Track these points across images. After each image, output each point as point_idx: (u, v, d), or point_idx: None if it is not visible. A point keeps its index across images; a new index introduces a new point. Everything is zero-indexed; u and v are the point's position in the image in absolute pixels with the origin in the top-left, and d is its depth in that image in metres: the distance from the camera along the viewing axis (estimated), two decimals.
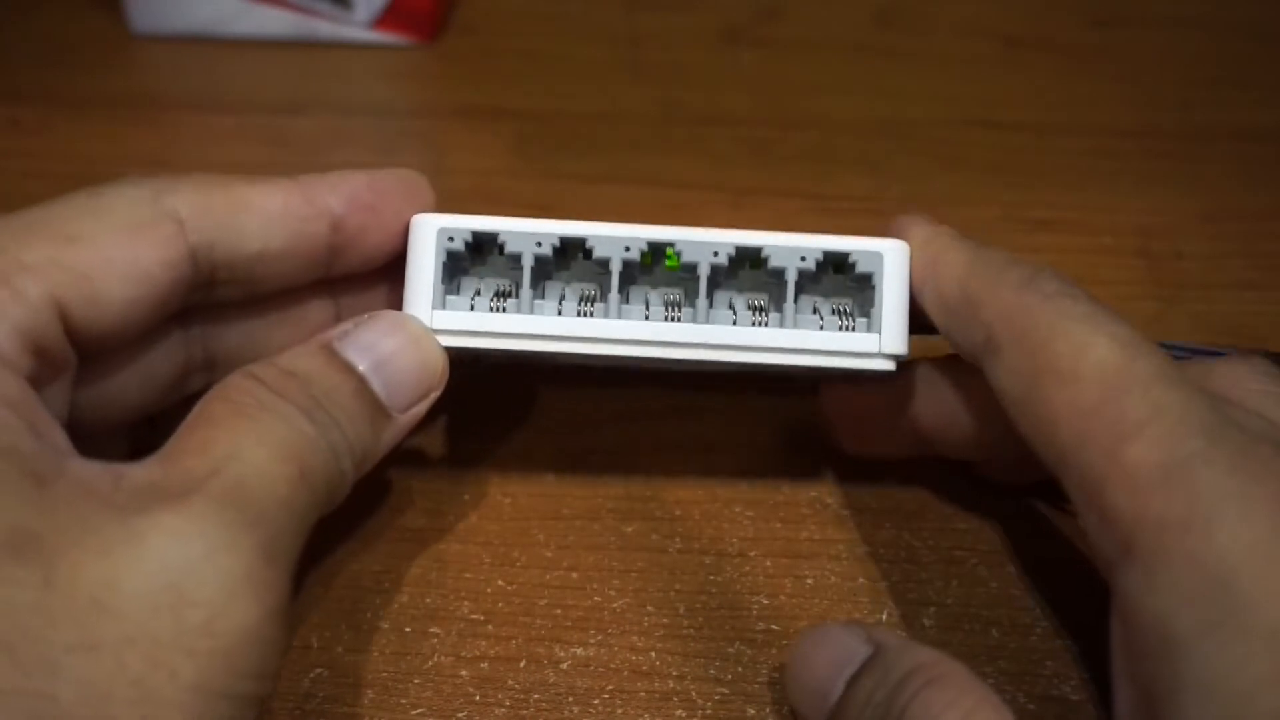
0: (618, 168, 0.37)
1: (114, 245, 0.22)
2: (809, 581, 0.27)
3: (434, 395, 0.25)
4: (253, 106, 0.39)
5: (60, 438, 0.21)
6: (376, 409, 0.24)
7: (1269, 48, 0.42)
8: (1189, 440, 0.20)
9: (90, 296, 0.22)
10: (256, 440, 0.21)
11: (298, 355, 0.23)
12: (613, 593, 0.27)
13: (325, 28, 0.41)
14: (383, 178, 0.26)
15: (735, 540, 0.28)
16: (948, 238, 0.25)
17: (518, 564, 0.27)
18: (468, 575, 0.27)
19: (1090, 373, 0.21)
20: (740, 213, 0.36)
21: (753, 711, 0.25)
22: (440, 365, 0.25)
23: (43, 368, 0.22)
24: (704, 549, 0.28)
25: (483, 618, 0.26)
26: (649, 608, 0.27)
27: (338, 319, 0.26)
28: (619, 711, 0.25)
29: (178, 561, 0.19)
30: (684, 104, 0.39)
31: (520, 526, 0.28)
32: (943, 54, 0.41)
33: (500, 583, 0.27)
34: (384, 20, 0.40)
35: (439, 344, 0.25)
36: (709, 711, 0.25)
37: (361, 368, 0.24)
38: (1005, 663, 0.26)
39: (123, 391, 0.25)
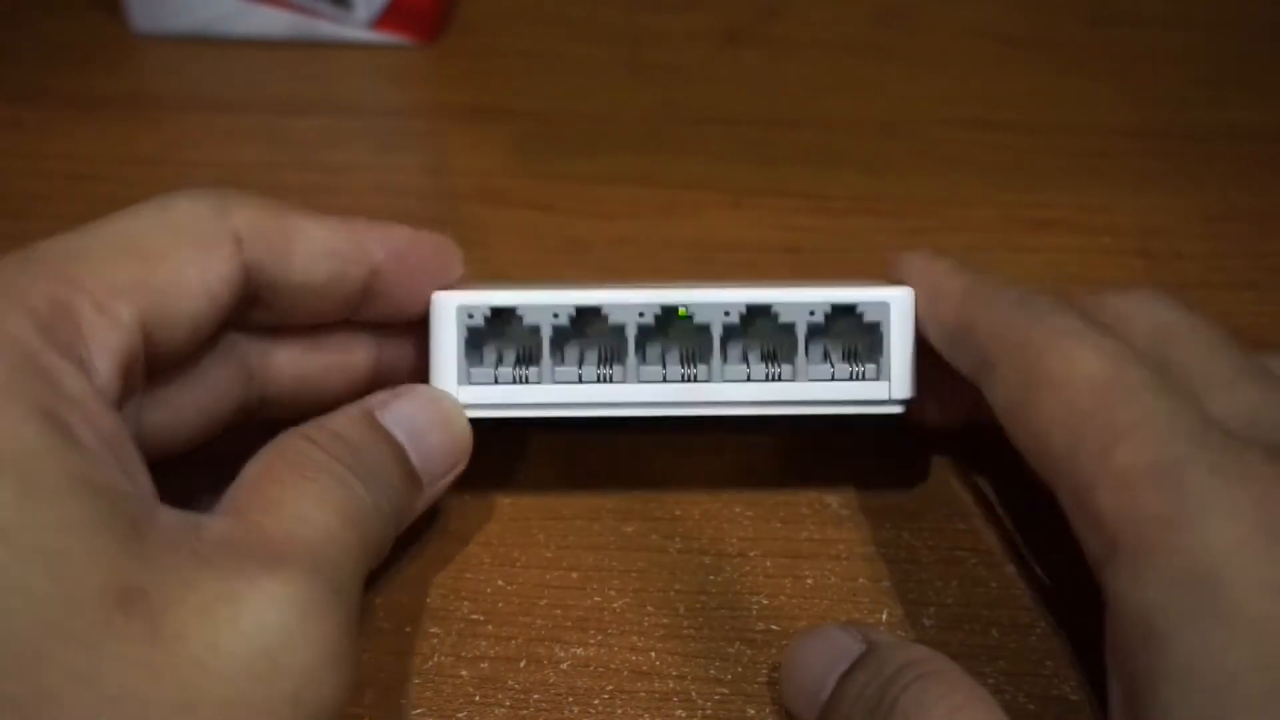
0: (618, 168, 0.37)
1: (187, 262, 0.22)
2: (809, 581, 0.27)
3: (460, 469, 0.26)
4: (253, 106, 0.39)
5: (146, 478, 0.21)
6: (414, 478, 0.25)
7: (1269, 48, 0.42)
8: (1175, 443, 0.20)
9: (166, 315, 0.22)
10: (319, 502, 0.22)
11: (346, 422, 0.24)
12: (613, 593, 0.27)
13: (325, 28, 0.41)
14: (425, 239, 0.26)
15: (735, 540, 0.28)
16: (945, 270, 0.25)
17: (518, 564, 0.27)
18: (468, 575, 0.27)
19: (1081, 383, 0.22)
20: (740, 213, 0.36)
21: (753, 711, 0.25)
22: (467, 441, 0.26)
23: (125, 394, 0.22)
24: (704, 549, 0.28)
25: (483, 618, 0.26)
26: (649, 608, 0.27)
27: (378, 359, 0.27)
28: (619, 712, 0.25)
29: (274, 628, 0.19)
30: (684, 104, 0.39)
31: (520, 526, 0.28)
32: (943, 54, 0.41)
33: (500, 583, 0.27)
34: (384, 20, 0.40)
35: (467, 420, 0.25)
36: (709, 711, 0.25)
37: (400, 438, 0.24)
38: (1005, 662, 0.26)
39: (171, 418, 0.24)
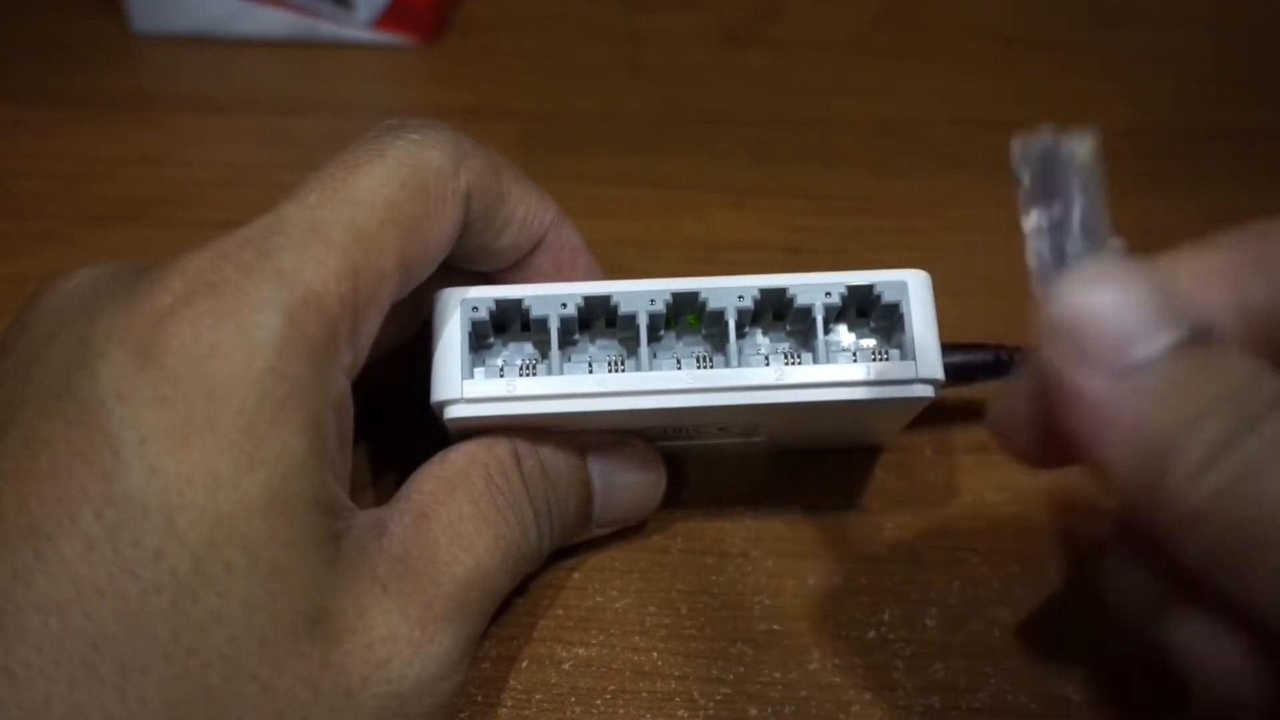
0: (618, 168, 0.37)
1: (433, 228, 0.22)
2: (811, 581, 0.27)
3: (624, 524, 0.27)
4: (253, 106, 0.39)
5: (349, 456, 0.22)
6: (586, 525, 0.26)
7: (1269, 48, 0.42)
8: None
9: (410, 282, 0.22)
10: (493, 549, 0.23)
11: (558, 455, 0.25)
12: (614, 593, 0.27)
13: (326, 28, 0.40)
14: (584, 252, 0.27)
15: (737, 540, 0.28)
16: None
17: None
18: None
19: None
20: (741, 213, 0.36)
21: (755, 711, 0.25)
22: (653, 507, 0.27)
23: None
24: (706, 549, 0.28)
25: None
26: (651, 608, 0.27)
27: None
28: (621, 712, 0.25)
29: (411, 678, 0.20)
30: (684, 104, 0.39)
31: None
32: (943, 54, 0.41)
33: None
34: (385, 20, 0.40)
35: (663, 488, 0.27)
36: (711, 712, 0.25)
37: (595, 486, 0.25)
38: (1008, 663, 0.26)
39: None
